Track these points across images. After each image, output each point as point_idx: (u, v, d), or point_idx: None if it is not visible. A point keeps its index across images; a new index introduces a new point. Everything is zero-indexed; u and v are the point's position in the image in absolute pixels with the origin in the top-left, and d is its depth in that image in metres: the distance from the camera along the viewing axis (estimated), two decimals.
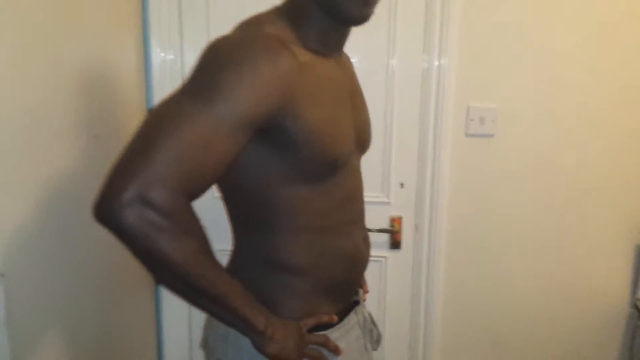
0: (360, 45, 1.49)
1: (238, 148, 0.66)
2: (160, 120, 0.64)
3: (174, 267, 0.63)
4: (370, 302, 1.62)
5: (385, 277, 1.60)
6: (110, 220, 0.59)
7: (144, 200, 0.59)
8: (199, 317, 1.59)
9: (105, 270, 1.17)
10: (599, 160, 1.55)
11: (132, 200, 0.58)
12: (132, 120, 1.37)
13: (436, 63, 1.49)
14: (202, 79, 0.66)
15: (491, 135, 1.53)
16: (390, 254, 1.59)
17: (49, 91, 0.92)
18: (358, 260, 0.90)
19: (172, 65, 1.48)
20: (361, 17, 0.77)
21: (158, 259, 0.62)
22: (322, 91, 0.76)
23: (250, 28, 0.76)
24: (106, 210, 0.60)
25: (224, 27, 1.44)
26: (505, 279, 1.61)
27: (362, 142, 0.92)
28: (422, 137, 1.53)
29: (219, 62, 0.67)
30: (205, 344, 0.90)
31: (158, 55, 1.46)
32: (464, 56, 1.49)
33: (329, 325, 0.83)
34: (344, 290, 0.90)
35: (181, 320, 1.61)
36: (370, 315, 0.98)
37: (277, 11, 0.80)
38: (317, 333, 0.81)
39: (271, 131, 0.70)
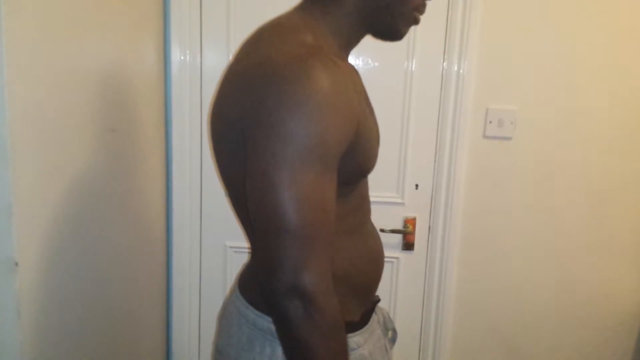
0: (379, 47, 1.49)
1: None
2: (280, 201, 0.58)
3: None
4: (382, 303, 1.63)
5: (397, 279, 1.60)
6: (275, 309, 0.60)
7: (302, 293, 0.58)
8: (209, 314, 1.62)
9: (117, 264, 1.20)
10: (617, 165, 1.52)
11: (290, 291, 0.58)
12: (151, 117, 1.39)
13: (456, 65, 1.48)
14: (279, 129, 0.58)
15: (509, 138, 1.52)
16: (403, 255, 1.59)
17: (70, 87, 0.94)
18: (382, 258, 0.88)
19: (192, 64, 1.50)
20: (404, 34, 0.78)
21: (303, 352, 0.61)
22: (359, 99, 0.71)
23: (291, 40, 0.66)
24: (270, 300, 0.60)
25: (244, 28, 1.47)
26: (518, 282, 1.60)
27: None
28: (439, 139, 1.53)
29: (285, 101, 0.59)
30: (219, 354, 0.82)
31: (178, 54, 1.49)
32: (484, 58, 1.48)
33: (356, 327, 0.81)
34: (372, 291, 0.87)
35: (191, 315, 1.63)
36: (387, 313, 0.98)
37: (307, 13, 0.73)
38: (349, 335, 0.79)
39: None
